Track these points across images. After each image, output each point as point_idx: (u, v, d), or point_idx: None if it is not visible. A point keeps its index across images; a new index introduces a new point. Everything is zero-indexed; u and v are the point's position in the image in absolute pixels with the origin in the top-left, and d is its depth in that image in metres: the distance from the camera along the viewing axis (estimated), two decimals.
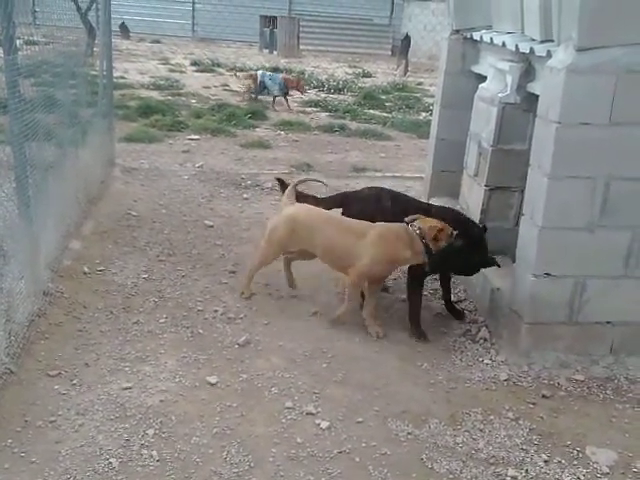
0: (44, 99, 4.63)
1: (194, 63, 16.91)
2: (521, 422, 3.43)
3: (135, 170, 7.30)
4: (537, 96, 3.94)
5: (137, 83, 12.98)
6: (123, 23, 21.95)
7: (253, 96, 11.81)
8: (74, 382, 3.47)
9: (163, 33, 23.99)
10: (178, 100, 11.66)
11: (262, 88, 11.69)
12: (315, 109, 12.01)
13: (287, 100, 11.74)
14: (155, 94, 12.00)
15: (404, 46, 19.14)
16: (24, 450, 2.95)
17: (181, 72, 15.30)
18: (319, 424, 3.28)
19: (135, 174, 7.17)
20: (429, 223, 4.05)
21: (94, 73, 7.21)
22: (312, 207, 4.48)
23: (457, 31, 5.44)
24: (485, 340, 4.16)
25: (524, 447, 3.24)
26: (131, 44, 20.69)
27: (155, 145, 8.56)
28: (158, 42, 22.30)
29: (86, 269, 4.70)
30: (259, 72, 12.02)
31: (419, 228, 4.03)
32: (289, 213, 4.40)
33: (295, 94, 12.10)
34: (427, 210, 4.43)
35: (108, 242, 5.27)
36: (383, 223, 4.21)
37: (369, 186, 5.00)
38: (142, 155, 8.02)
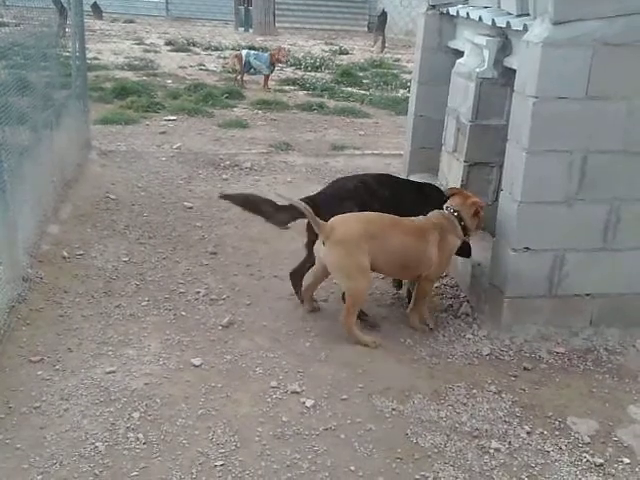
0: (16, 82, 4.55)
1: (169, 43, 16.67)
2: (503, 395, 3.47)
3: (112, 152, 7.22)
4: (514, 71, 3.94)
5: (111, 64, 12.79)
6: (95, 3, 21.53)
7: (238, 77, 11.65)
8: (57, 367, 3.45)
9: (137, 13, 23.56)
10: (154, 81, 11.51)
11: (248, 68, 11.56)
12: (293, 87, 11.92)
13: (267, 79, 11.61)
14: (130, 75, 11.84)
15: (380, 22, 19.01)
16: (9, 437, 2.94)
17: (156, 52, 15.08)
18: (304, 402, 3.30)
19: (112, 156, 7.09)
20: (465, 200, 3.91)
21: (67, 54, 7.09)
22: (355, 214, 3.85)
23: (433, 6, 5.41)
24: (467, 315, 4.20)
25: (507, 419, 3.29)
26: (104, 24, 20.32)
27: (131, 127, 8.46)
28: (132, 22, 21.94)
29: (65, 253, 4.66)
30: (243, 52, 11.87)
31: (455, 211, 3.88)
32: (344, 229, 3.69)
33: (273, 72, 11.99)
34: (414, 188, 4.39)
35: (87, 226, 5.22)
36: (425, 218, 3.89)
37: (339, 178, 4.55)
38: (119, 137, 7.93)
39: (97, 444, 2.93)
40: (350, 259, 3.67)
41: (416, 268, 3.86)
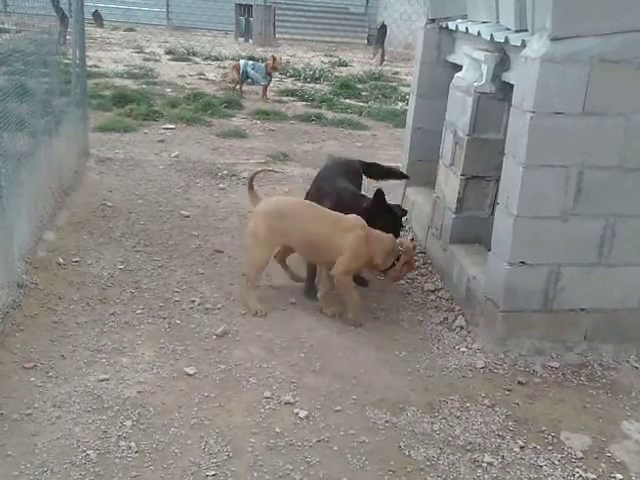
0: (16, 88, 4.56)
1: (169, 52, 16.72)
2: (497, 409, 3.47)
3: (110, 160, 7.23)
4: (512, 85, 3.96)
5: (111, 72, 12.82)
6: (96, 11, 21.58)
7: (237, 87, 11.68)
8: (50, 374, 3.44)
9: (137, 21, 23.65)
10: (153, 89, 11.54)
11: (245, 78, 11.60)
12: (291, 98, 11.96)
13: (266, 89, 11.65)
14: (130, 83, 11.86)
15: (380, 35, 19.10)
16: (0, 443, 2.93)
17: (156, 61, 15.12)
18: (297, 413, 3.29)
19: (110, 164, 7.10)
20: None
21: (67, 62, 7.10)
22: (284, 197, 4.42)
23: (433, 20, 5.44)
24: (462, 328, 4.20)
25: (500, 433, 3.28)
26: (105, 32, 20.39)
27: (130, 135, 8.47)
28: (132, 30, 22.01)
29: (61, 260, 4.66)
30: (241, 62, 11.90)
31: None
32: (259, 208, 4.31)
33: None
34: None
35: (83, 233, 5.22)
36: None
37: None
38: (117, 145, 7.93)
39: (89, 452, 2.92)
40: (256, 230, 4.30)
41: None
